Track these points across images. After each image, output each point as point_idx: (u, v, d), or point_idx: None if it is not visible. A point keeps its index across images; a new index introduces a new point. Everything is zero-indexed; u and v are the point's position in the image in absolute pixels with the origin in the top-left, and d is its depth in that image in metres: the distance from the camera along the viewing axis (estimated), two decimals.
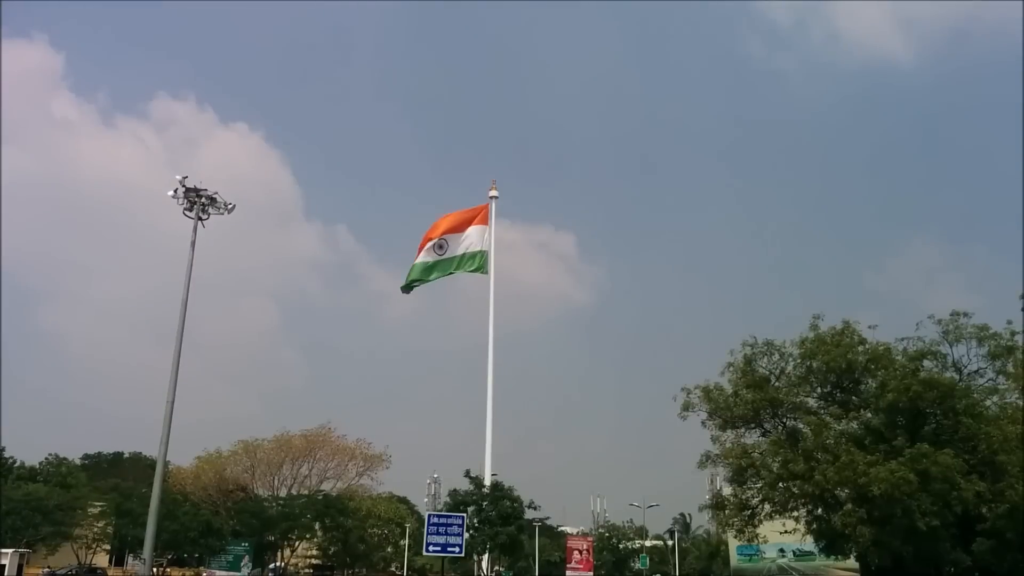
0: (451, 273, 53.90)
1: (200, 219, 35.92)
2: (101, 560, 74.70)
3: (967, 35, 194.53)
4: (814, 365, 35.94)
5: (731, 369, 37.77)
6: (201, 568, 73.48)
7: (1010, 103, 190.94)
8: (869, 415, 35.01)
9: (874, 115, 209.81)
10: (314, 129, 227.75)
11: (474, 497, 43.73)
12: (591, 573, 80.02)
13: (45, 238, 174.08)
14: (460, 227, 53.70)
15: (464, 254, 53.10)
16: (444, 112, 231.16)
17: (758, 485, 36.87)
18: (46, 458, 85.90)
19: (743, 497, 37.72)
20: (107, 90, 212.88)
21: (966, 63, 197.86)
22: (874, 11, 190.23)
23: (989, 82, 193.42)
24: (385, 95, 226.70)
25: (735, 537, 51.70)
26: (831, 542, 36.18)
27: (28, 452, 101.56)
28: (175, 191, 35.85)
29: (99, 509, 71.42)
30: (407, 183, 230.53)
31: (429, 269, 53.00)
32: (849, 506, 32.05)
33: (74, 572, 65.00)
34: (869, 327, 36.81)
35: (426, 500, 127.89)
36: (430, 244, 52.99)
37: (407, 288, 53.76)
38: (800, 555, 70.16)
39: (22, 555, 56.63)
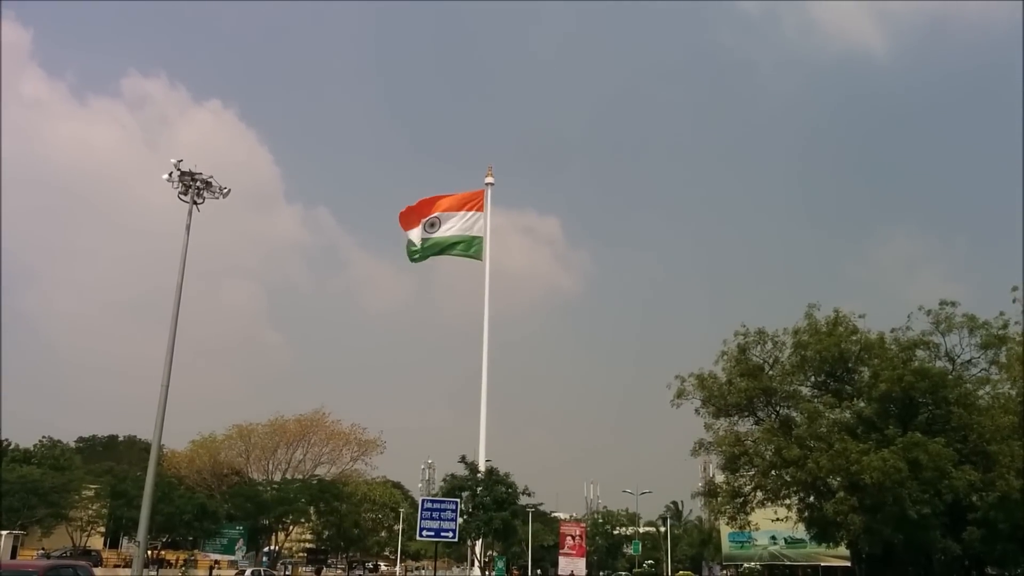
0: (443, 254, 53.55)
1: (195, 203, 35.25)
2: (96, 542, 74.82)
3: (944, 25, 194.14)
4: (807, 354, 35.99)
5: (725, 357, 37.83)
6: (195, 551, 73.65)
7: (989, 93, 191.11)
8: (862, 404, 35.05)
9: (853, 106, 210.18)
10: (290, 108, 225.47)
11: (469, 482, 43.84)
12: (584, 558, 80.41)
13: (23, 220, 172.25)
14: (453, 208, 53.28)
15: (457, 237, 52.67)
16: (424, 93, 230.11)
17: (751, 473, 37.09)
18: (40, 440, 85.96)
19: (736, 484, 37.93)
20: (77, 67, 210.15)
21: (943, 54, 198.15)
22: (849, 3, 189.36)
23: (967, 73, 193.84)
24: (363, 74, 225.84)
25: (727, 524, 51.96)
26: (823, 530, 36.38)
27: (22, 434, 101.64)
28: (170, 175, 34.97)
29: (93, 491, 71.51)
30: (387, 164, 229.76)
31: (429, 247, 52.70)
32: (841, 494, 32.15)
33: (69, 554, 65.07)
34: (859, 316, 36.95)
35: (420, 485, 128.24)
36: (425, 220, 52.52)
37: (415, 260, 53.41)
38: (792, 542, 70.63)
39: (16, 537, 56.68)
